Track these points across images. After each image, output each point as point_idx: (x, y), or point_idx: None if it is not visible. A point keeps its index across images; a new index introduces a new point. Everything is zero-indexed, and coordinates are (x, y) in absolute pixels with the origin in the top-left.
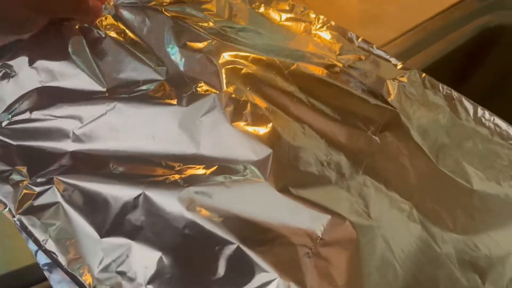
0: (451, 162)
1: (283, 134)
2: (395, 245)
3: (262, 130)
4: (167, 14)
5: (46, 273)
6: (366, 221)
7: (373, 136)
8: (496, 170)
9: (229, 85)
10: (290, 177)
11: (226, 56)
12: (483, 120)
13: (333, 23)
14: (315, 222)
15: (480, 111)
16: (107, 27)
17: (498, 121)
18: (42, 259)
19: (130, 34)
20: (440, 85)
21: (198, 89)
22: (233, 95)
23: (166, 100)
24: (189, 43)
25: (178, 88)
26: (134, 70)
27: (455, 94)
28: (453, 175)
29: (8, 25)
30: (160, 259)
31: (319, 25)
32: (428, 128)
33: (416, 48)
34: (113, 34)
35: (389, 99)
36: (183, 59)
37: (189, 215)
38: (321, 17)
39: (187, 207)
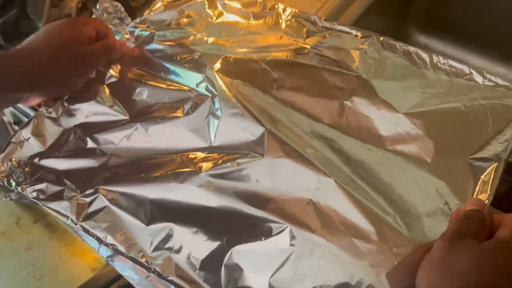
0: (412, 107)
1: (272, 115)
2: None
3: (254, 115)
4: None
5: (111, 263)
6: (346, 172)
7: (344, 101)
8: (458, 103)
9: (221, 86)
10: (284, 148)
11: (213, 62)
12: (439, 64)
13: (297, 11)
14: (311, 178)
15: (435, 57)
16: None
17: (452, 62)
18: (104, 252)
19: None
20: (397, 44)
21: (197, 97)
22: (226, 93)
23: (176, 114)
24: (180, 58)
25: (180, 101)
26: (146, 96)
27: (411, 48)
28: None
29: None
30: (196, 232)
31: (285, 16)
32: (391, 84)
33: None
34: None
35: (354, 67)
36: (179, 73)
37: (208, 194)
38: (288, 8)
39: (206, 189)
